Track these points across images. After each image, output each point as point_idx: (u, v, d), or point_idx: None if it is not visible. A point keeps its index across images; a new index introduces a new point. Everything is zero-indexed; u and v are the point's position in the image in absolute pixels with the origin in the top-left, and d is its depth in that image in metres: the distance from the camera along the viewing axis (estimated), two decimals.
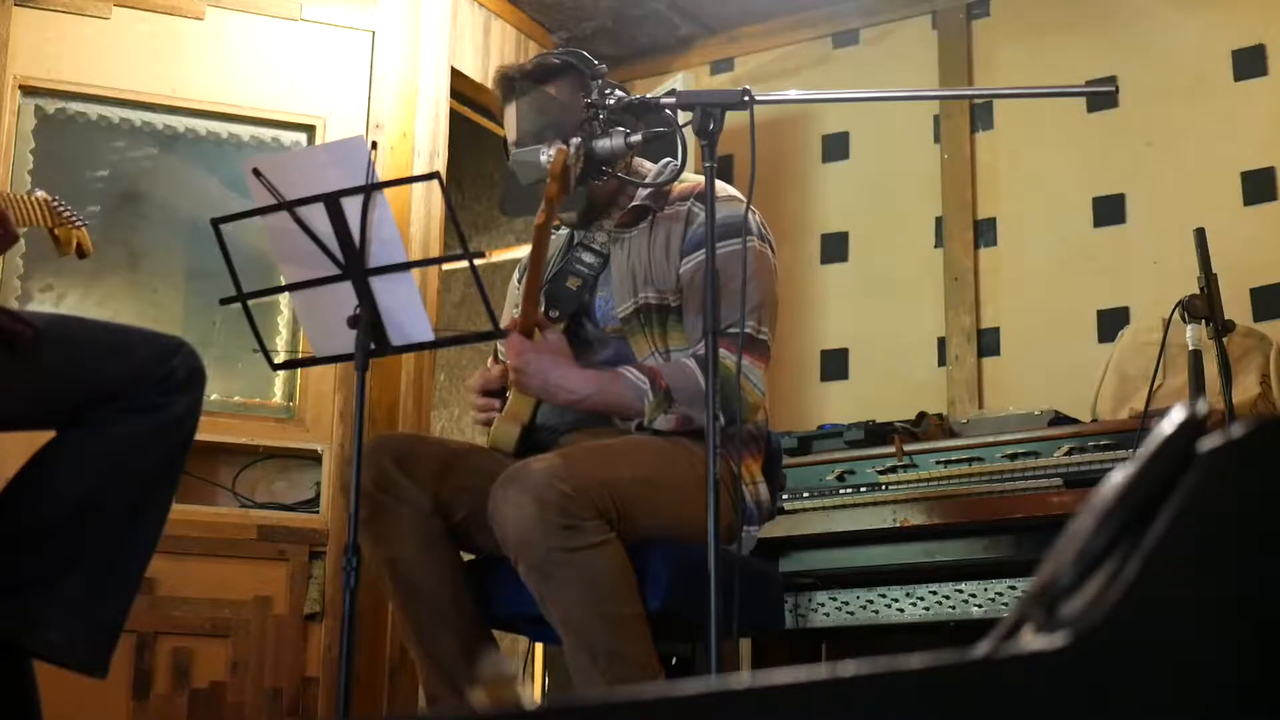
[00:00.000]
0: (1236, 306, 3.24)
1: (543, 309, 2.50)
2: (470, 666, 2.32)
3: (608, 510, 2.20)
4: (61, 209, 2.40)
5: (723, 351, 2.30)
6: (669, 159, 2.58)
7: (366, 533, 2.32)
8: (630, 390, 2.37)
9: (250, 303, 2.28)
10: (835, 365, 4.29)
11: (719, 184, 2.51)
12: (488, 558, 2.43)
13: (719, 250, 2.33)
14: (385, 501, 2.33)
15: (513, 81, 2.58)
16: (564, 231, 2.69)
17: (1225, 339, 2.70)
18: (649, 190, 2.52)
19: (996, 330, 4.06)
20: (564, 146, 2.31)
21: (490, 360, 2.73)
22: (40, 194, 2.37)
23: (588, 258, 2.56)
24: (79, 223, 2.45)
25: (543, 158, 2.40)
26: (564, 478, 2.16)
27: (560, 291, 2.55)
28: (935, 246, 4.20)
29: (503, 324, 2.53)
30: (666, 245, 2.48)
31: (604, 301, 2.53)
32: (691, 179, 2.52)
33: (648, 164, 2.62)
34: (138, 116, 3.67)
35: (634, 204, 2.54)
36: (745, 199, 2.49)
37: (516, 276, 2.81)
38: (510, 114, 2.58)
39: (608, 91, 2.39)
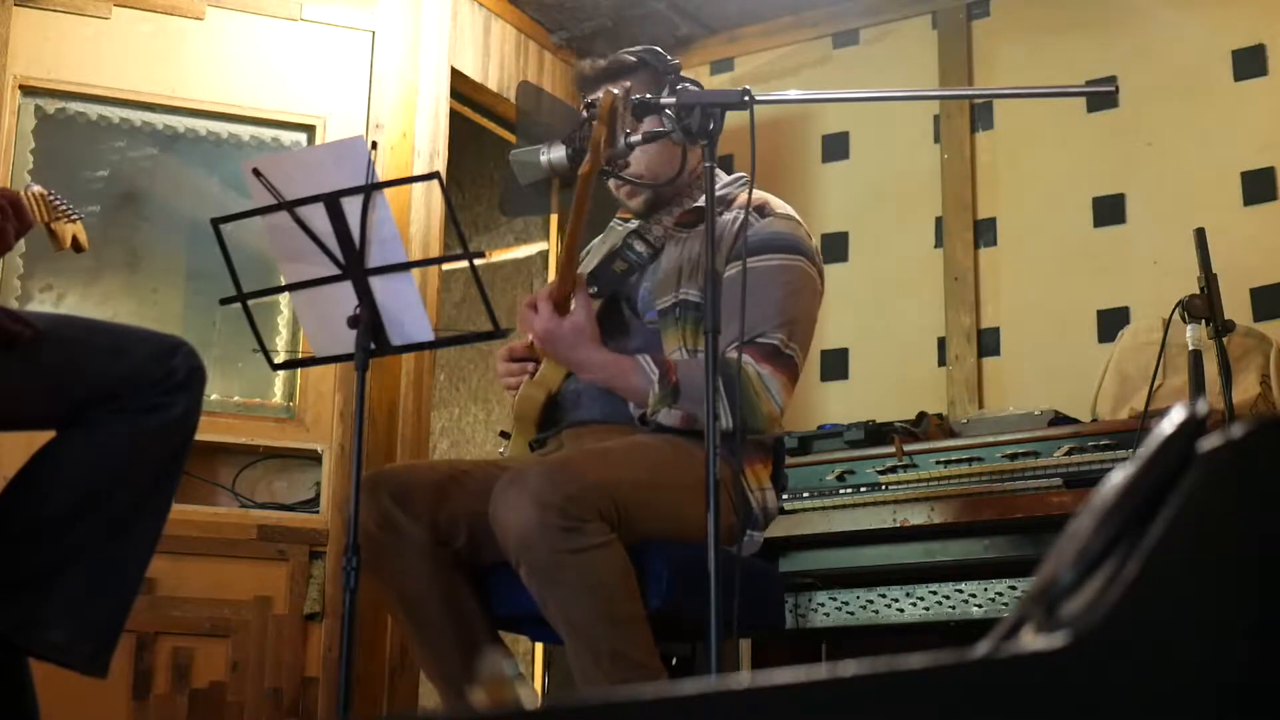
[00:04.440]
0: (1236, 306, 3.24)
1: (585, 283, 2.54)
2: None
3: (608, 512, 2.21)
4: (57, 203, 2.39)
5: (746, 358, 2.32)
6: (742, 174, 2.62)
7: (374, 575, 2.37)
8: (641, 378, 2.40)
9: (250, 303, 2.28)
10: (835, 365, 4.29)
11: (775, 200, 2.59)
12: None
13: (766, 262, 2.42)
14: (389, 541, 2.35)
15: (586, 80, 2.61)
16: (629, 225, 2.70)
17: (1225, 339, 2.70)
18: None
19: (996, 330, 4.06)
20: (612, 90, 2.27)
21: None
22: (36, 188, 2.36)
23: (639, 246, 2.60)
24: (75, 216, 2.44)
25: (543, 158, 2.40)
26: (564, 481, 2.17)
27: (605, 272, 2.60)
28: (935, 246, 4.20)
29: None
30: (716, 247, 2.50)
31: (647, 292, 2.56)
32: (756, 193, 2.54)
33: (723, 175, 2.63)
34: (138, 116, 3.67)
35: (695, 205, 2.56)
36: (797, 218, 2.55)
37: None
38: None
39: (680, 87, 2.39)
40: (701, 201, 2.55)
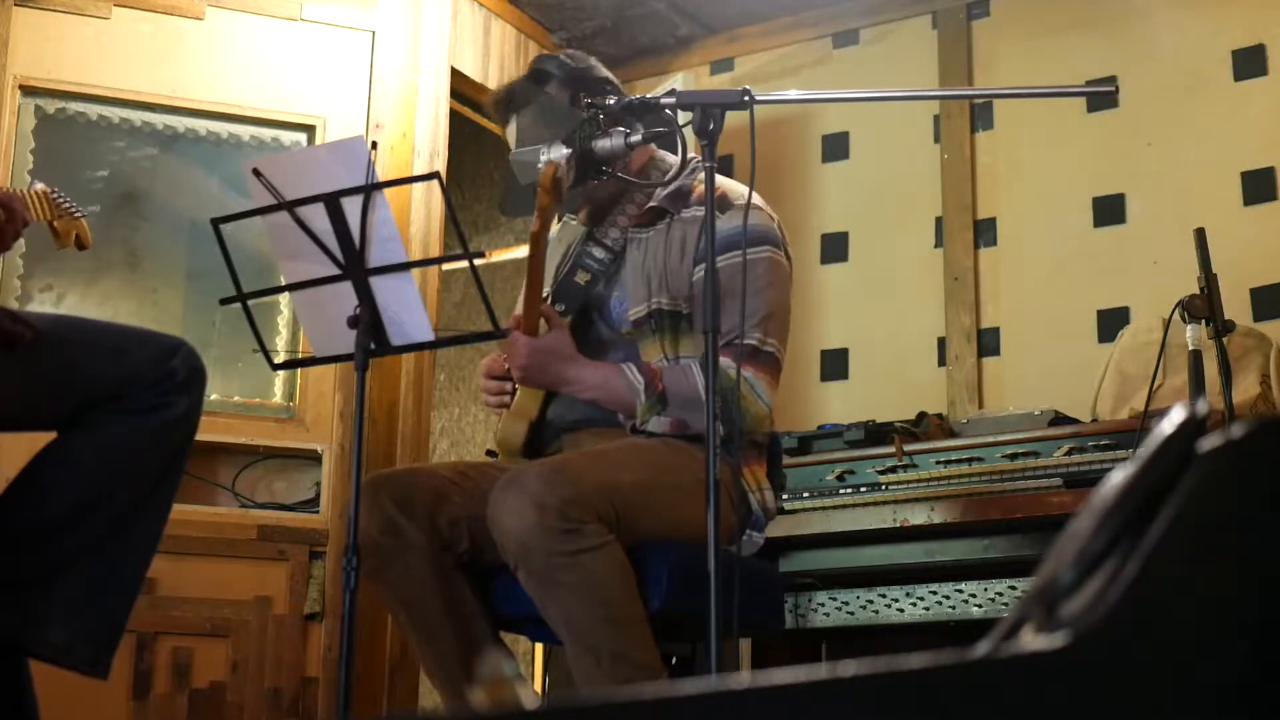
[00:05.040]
0: (1236, 306, 3.24)
1: (550, 302, 2.51)
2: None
3: (607, 514, 2.20)
4: (60, 200, 2.39)
5: (726, 361, 2.31)
6: (693, 156, 2.56)
7: (377, 581, 2.37)
8: (627, 388, 2.39)
9: (250, 303, 2.28)
10: (835, 365, 4.29)
11: (733, 188, 2.52)
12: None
13: (735, 260, 2.36)
14: (391, 546, 2.34)
15: (505, 102, 2.59)
16: (579, 222, 2.68)
17: (1225, 339, 2.70)
18: (669, 190, 2.52)
19: (996, 330, 4.06)
20: (553, 159, 2.32)
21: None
22: (39, 186, 2.36)
23: (598, 253, 2.56)
24: (78, 214, 2.44)
25: (542, 158, 2.40)
26: (562, 483, 2.16)
27: (568, 286, 2.56)
28: (935, 246, 4.20)
29: (507, 324, 2.53)
30: (682, 250, 2.48)
31: (618, 302, 2.53)
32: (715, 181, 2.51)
33: (671, 158, 2.61)
34: (138, 116, 3.67)
35: (651, 204, 2.54)
36: (763, 206, 2.50)
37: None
38: (511, 131, 2.60)
39: (608, 89, 2.39)
40: (655, 200, 2.54)
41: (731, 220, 2.42)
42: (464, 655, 2.36)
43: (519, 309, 2.45)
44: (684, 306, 2.46)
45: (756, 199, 2.51)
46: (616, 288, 2.53)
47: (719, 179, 2.48)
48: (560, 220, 2.72)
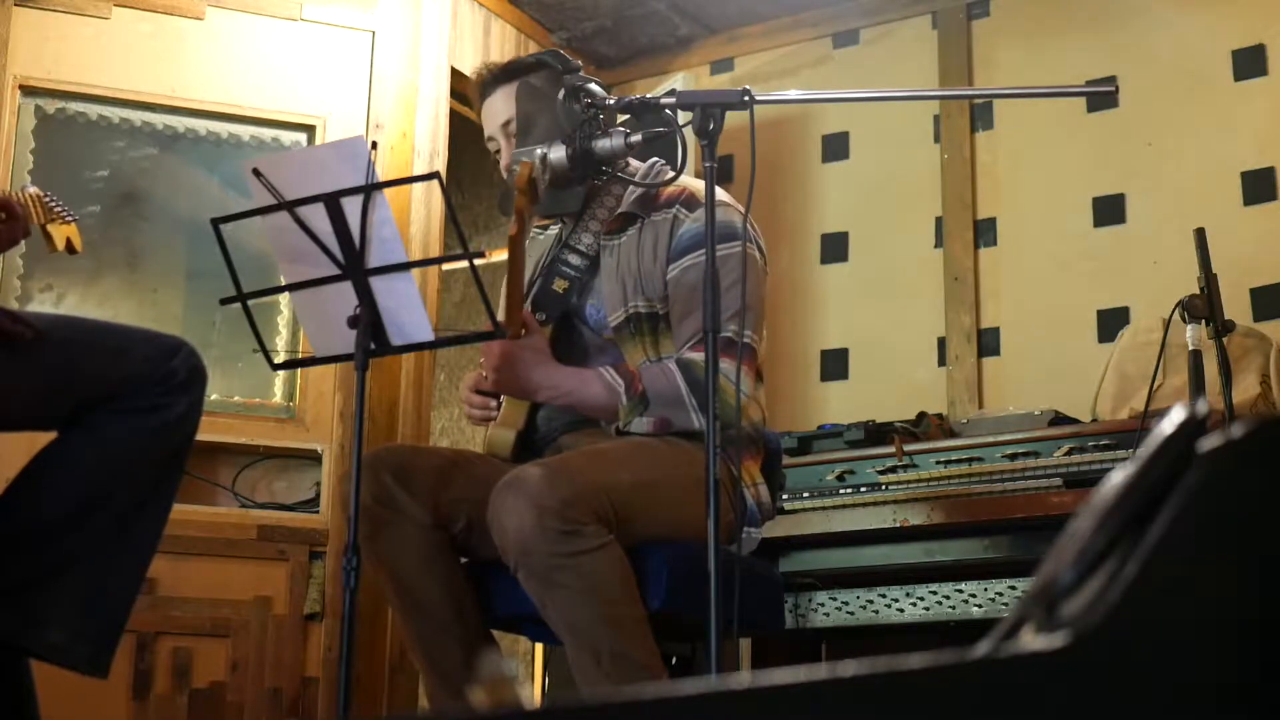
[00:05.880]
0: (1236, 306, 3.24)
1: (531, 312, 2.51)
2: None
3: (606, 514, 2.20)
4: (52, 204, 2.40)
5: (700, 356, 2.31)
6: (655, 159, 2.57)
7: (368, 549, 2.34)
8: (606, 392, 2.39)
9: (250, 303, 2.28)
10: (835, 365, 4.29)
11: (700, 187, 2.51)
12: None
13: (701, 257, 2.34)
14: (386, 516, 2.34)
15: (484, 83, 2.62)
16: (551, 232, 2.69)
17: (1225, 339, 2.70)
18: (636, 195, 2.52)
19: (996, 330, 4.06)
20: (527, 160, 2.31)
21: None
22: (32, 189, 2.37)
23: (574, 260, 2.56)
24: (69, 218, 2.44)
25: (542, 155, 2.39)
26: (561, 484, 2.16)
27: (547, 295, 2.55)
28: (935, 246, 4.20)
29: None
30: (654, 251, 2.48)
31: (595, 309, 2.53)
32: (679, 181, 2.50)
33: (634, 162, 2.61)
34: (138, 116, 3.67)
35: (620, 210, 2.54)
36: (731, 202, 2.50)
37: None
38: (486, 112, 2.63)
39: (582, 86, 2.40)
40: (624, 206, 2.53)
41: (700, 219, 2.40)
42: (454, 637, 2.35)
43: (500, 314, 2.44)
44: (660, 307, 2.46)
45: (724, 195, 2.51)
46: (592, 295, 2.54)
47: (688, 179, 2.49)
48: (531, 233, 2.72)
